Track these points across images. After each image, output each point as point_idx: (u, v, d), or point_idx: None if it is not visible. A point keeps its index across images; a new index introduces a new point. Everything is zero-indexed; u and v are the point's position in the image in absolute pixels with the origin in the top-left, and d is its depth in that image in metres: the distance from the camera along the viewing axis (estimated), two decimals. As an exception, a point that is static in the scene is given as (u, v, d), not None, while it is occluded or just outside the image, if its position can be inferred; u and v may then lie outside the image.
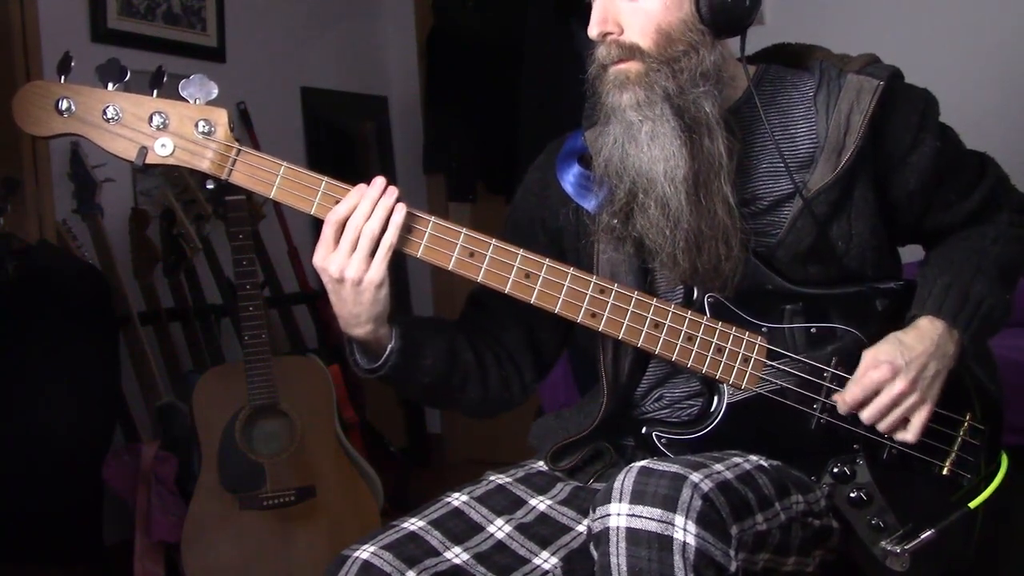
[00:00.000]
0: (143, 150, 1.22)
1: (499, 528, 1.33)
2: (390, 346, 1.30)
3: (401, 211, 1.25)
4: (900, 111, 1.37)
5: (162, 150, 1.23)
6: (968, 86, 2.87)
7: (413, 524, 1.30)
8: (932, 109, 1.40)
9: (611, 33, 1.31)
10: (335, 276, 1.24)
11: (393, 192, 1.25)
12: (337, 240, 1.24)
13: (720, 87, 1.30)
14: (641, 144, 1.28)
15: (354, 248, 1.23)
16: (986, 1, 3.05)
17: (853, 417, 1.33)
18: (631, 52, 1.29)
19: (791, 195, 1.36)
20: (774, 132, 1.36)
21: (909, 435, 1.33)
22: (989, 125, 2.34)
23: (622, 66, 1.30)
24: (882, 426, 1.32)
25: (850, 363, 1.33)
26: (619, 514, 1.09)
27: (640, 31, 1.29)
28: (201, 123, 1.23)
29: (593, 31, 1.32)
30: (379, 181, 1.25)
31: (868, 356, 1.32)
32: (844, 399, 1.31)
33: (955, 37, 3.06)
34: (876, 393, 1.30)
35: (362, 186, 1.25)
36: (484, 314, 1.46)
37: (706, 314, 1.32)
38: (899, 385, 1.29)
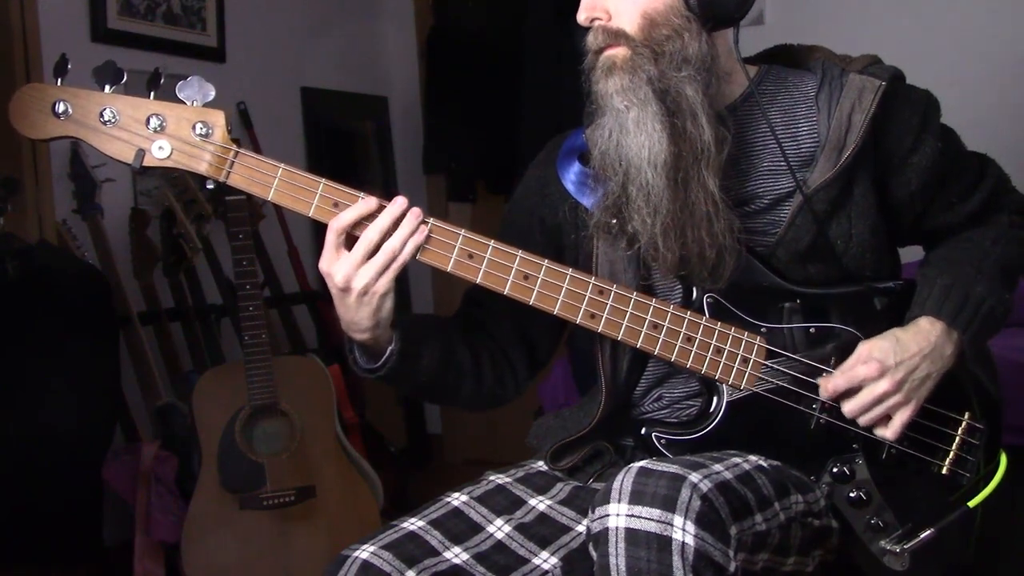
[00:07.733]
0: (140, 152, 1.22)
1: (499, 528, 1.33)
2: (390, 348, 1.30)
3: (423, 233, 1.24)
4: (902, 112, 1.37)
5: (159, 152, 1.22)
6: (968, 86, 2.87)
7: (413, 524, 1.30)
8: (934, 111, 1.40)
9: (599, 19, 1.31)
10: (340, 285, 1.24)
11: (418, 214, 1.24)
12: (340, 247, 1.24)
13: (707, 76, 1.30)
14: (629, 131, 1.28)
15: (365, 260, 1.23)
16: (986, 2, 3.04)
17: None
18: (617, 37, 1.30)
19: (791, 194, 1.36)
20: (775, 130, 1.36)
21: (889, 433, 1.33)
22: (989, 125, 2.34)
23: (609, 52, 1.31)
24: (862, 421, 1.33)
25: (849, 363, 1.33)
26: (618, 514, 1.09)
27: (627, 17, 1.30)
28: (199, 125, 1.23)
29: (581, 16, 1.32)
30: (401, 200, 1.24)
31: (862, 349, 1.32)
32: (827, 386, 1.32)
33: (955, 38, 3.05)
34: (860, 388, 1.31)
35: (371, 198, 1.24)
36: (480, 312, 1.47)
37: (705, 314, 1.32)
38: (883, 385, 1.30)
